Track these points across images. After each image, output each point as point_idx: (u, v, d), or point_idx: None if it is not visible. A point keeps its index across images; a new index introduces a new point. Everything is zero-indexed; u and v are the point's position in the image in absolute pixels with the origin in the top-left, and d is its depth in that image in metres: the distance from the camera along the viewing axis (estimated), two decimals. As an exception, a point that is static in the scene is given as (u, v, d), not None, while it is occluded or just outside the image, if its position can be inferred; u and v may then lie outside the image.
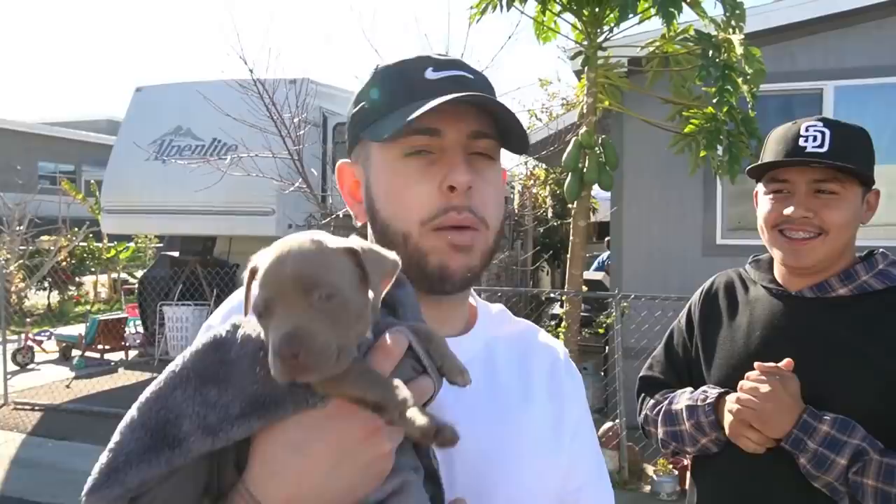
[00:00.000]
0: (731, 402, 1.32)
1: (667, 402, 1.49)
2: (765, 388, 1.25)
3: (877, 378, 1.26)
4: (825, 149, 1.29)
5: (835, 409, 1.24)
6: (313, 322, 0.56)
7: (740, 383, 1.32)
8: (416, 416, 0.56)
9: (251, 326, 0.61)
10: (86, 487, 0.57)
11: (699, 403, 1.39)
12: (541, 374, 0.88)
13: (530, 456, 0.82)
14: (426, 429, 0.56)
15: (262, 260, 0.61)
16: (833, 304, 1.34)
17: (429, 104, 0.72)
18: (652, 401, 1.55)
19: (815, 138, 1.31)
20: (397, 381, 0.59)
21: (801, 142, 1.32)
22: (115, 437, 0.58)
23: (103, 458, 0.58)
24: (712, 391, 1.39)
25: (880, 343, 1.28)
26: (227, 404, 0.57)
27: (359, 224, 0.86)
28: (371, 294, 0.61)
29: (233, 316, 0.64)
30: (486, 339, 0.86)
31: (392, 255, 0.65)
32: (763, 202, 1.39)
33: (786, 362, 1.28)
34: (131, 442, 0.57)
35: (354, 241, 0.63)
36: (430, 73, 0.78)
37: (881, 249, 1.40)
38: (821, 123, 1.34)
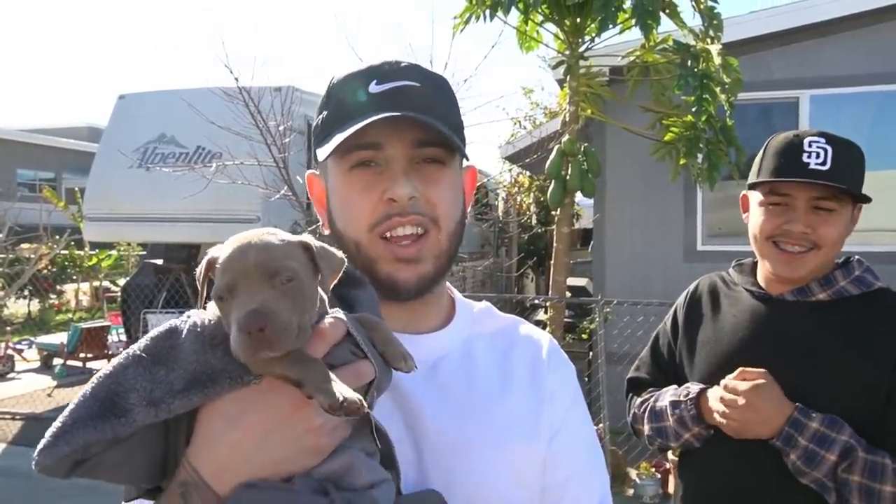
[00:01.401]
0: (714, 399, 1.37)
1: (652, 399, 1.55)
2: (741, 400, 1.30)
3: (853, 380, 1.31)
4: (827, 167, 1.33)
5: (813, 409, 1.29)
6: (277, 301, 0.62)
7: (717, 389, 1.37)
8: (326, 391, 0.61)
9: (199, 316, 0.67)
10: (37, 448, 0.62)
11: (682, 399, 1.44)
12: (522, 367, 0.89)
13: (503, 444, 0.83)
14: (332, 402, 0.60)
15: (221, 251, 0.66)
16: (812, 308, 1.39)
17: (354, 127, 0.76)
18: (639, 399, 1.61)
19: (818, 155, 1.35)
20: (318, 361, 0.64)
21: (805, 157, 1.35)
22: (69, 407, 0.63)
23: (56, 423, 0.63)
24: (694, 387, 1.44)
25: (856, 346, 1.33)
26: (171, 381, 0.63)
27: (327, 233, 0.89)
28: (320, 287, 0.67)
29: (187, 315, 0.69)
30: (465, 334, 0.89)
31: (340, 253, 0.71)
32: (760, 213, 1.42)
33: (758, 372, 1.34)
34: (81, 409, 0.62)
35: (307, 237, 0.68)
36: (373, 87, 0.81)
37: (857, 257, 1.46)
38: (823, 140, 1.37)
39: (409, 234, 0.79)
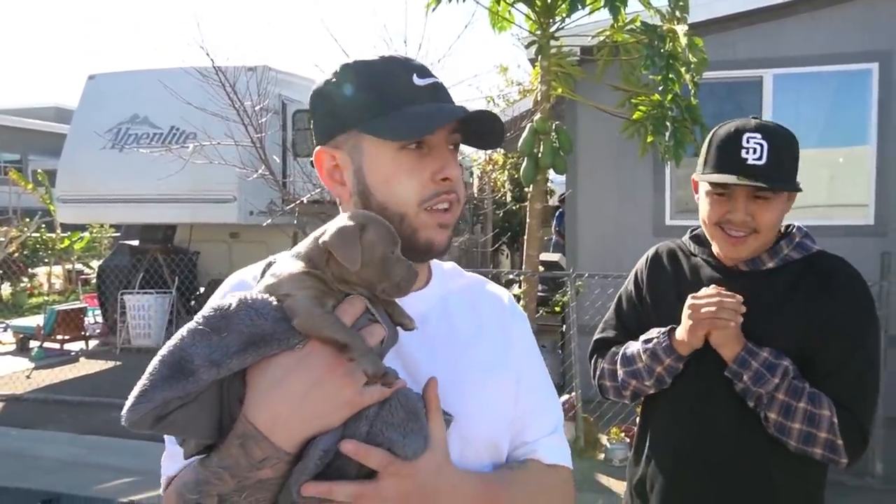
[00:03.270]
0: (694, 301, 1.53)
1: (623, 348, 1.70)
2: (730, 315, 1.48)
3: (790, 331, 1.50)
4: (763, 161, 1.49)
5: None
6: None
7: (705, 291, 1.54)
8: (371, 359, 0.76)
9: (245, 294, 0.80)
10: (124, 408, 0.74)
11: (654, 336, 1.62)
12: (490, 317, 1.04)
13: (485, 382, 0.97)
14: (376, 371, 0.76)
15: (368, 219, 0.83)
16: (762, 274, 1.57)
17: (443, 116, 0.90)
18: (608, 354, 1.75)
19: (755, 150, 1.50)
20: (358, 331, 0.79)
21: (743, 153, 1.50)
22: (145, 375, 0.75)
23: (136, 388, 0.75)
24: (664, 329, 1.60)
25: (794, 303, 1.52)
26: (227, 345, 0.75)
27: (340, 203, 0.99)
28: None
29: (231, 292, 0.83)
30: (441, 291, 1.03)
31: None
32: (706, 201, 1.58)
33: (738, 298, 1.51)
34: (156, 374, 0.75)
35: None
36: (416, 80, 0.93)
37: (797, 225, 1.62)
38: (759, 135, 1.51)
39: (444, 207, 0.94)
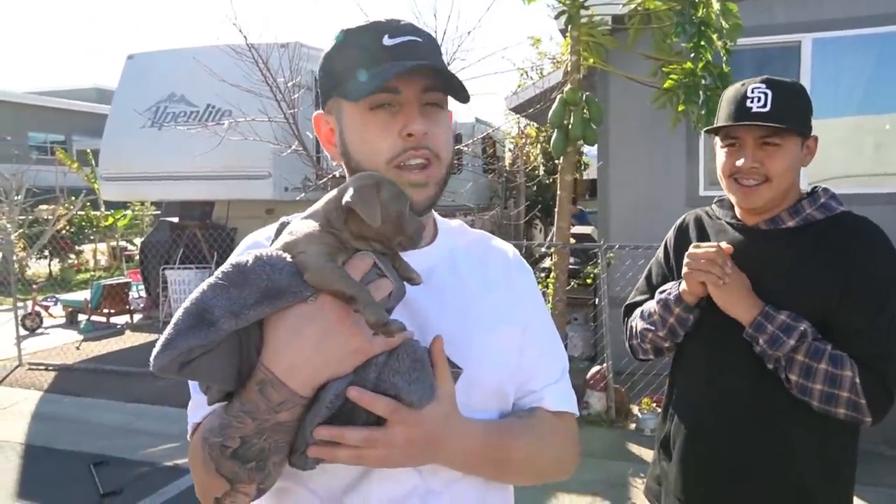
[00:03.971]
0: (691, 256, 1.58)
1: (644, 306, 1.78)
2: (718, 271, 1.53)
3: (811, 291, 1.52)
4: (767, 108, 1.52)
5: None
6: None
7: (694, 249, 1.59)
8: (374, 310, 0.81)
9: (261, 251, 0.85)
10: (152, 354, 0.80)
11: (667, 287, 1.69)
12: (496, 270, 1.08)
13: (492, 330, 1.01)
14: (378, 320, 0.80)
15: (379, 179, 0.88)
16: (783, 234, 1.58)
17: (391, 71, 0.91)
18: (635, 313, 1.82)
19: (759, 99, 1.53)
20: (364, 286, 0.83)
21: (748, 103, 1.54)
22: (170, 324, 0.82)
23: (162, 336, 0.81)
24: (677, 281, 1.67)
25: (816, 263, 1.53)
26: (245, 297, 0.81)
27: (335, 163, 1.04)
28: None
29: (248, 250, 0.88)
30: (448, 247, 1.07)
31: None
32: (719, 155, 1.63)
33: (726, 247, 1.57)
34: (180, 324, 0.81)
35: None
36: (386, 40, 0.94)
37: (823, 186, 1.63)
38: (763, 85, 1.54)
39: (417, 165, 0.96)
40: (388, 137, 0.95)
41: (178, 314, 0.81)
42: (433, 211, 1.09)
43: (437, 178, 0.99)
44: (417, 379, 0.85)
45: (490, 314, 1.02)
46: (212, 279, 0.83)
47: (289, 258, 0.84)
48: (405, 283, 0.91)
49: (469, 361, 0.95)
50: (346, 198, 0.84)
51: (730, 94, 1.60)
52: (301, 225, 0.89)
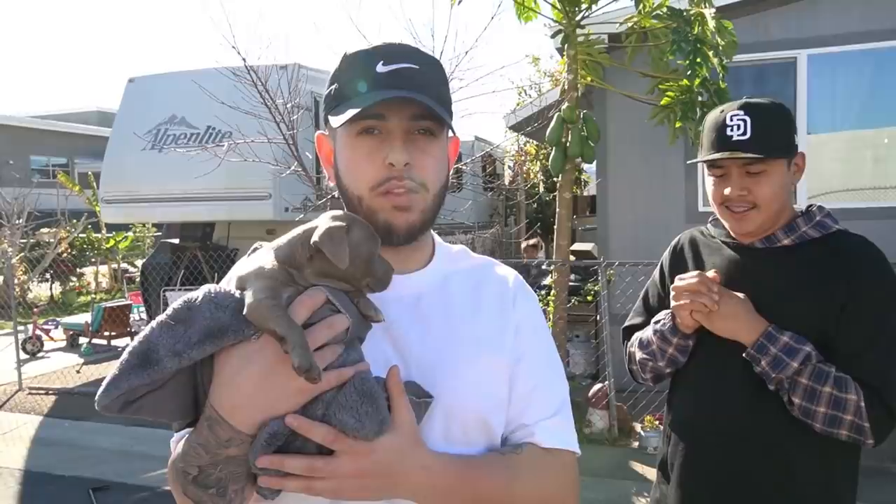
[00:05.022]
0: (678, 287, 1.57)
1: (640, 333, 1.76)
2: (715, 296, 1.52)
3: (808, 313, 1.50)
4: (747, 136, 1.51)
5: None
6: None
7: (677, 282, 1.58)
8: (300, 353, 0.79)
9: (211, 287, 0.85)
10: (97, 393, 0.81)
11: (661, 318, 1.67)
12: (491, 296, 1.03)
13: (475, 358, 0.96)
14: (301, 364, 0.78)
15: (351, 219, 0.87)
16: (778, 253, 1.57)
17: (366, 102, 0.91)
18: (633, 338, 1.80)
19: (738, 127, 1.52)
20: (299, 326, 0.81)
21: (728, 131, 1.53)
22: (117, 364, 0.82)
23: (108, 375, 0.82)
24: (669, 310, 1.65)
25: (813, 284, 1.51)
26: (189, 335, 0.81)
27: (332, 184, 1.04)
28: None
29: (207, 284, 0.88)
30: (443, 272, 1.05)
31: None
32: (709, 183, 1.63)
33: (712, 274, 1.56)
34: (125, 364, 0.81)
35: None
36: (380, 67, 0.94)
37: (818, 205, 1.62)
38: (742, 112, 1.54)
39: (398, 192, 0.95)
40: (372, 165, 0.94)
41: (125, 353, 0.82)
42: (434, 234, 1.08)
43: (423, 207, 0.97)
44: (366, 413, 0.83)
45: (474, 342, 0.98)
46: (162, 316, 0.83)
47: (238, 294, 0.83)
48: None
49: (448, 390, 0.93)
50: (315, 237, 0.84)
51: (710, 121, 1.60)
52: (257, 257, 0.88)
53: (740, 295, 1.54)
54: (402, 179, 0.94)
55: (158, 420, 0.87)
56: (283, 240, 0.88)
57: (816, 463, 1.51)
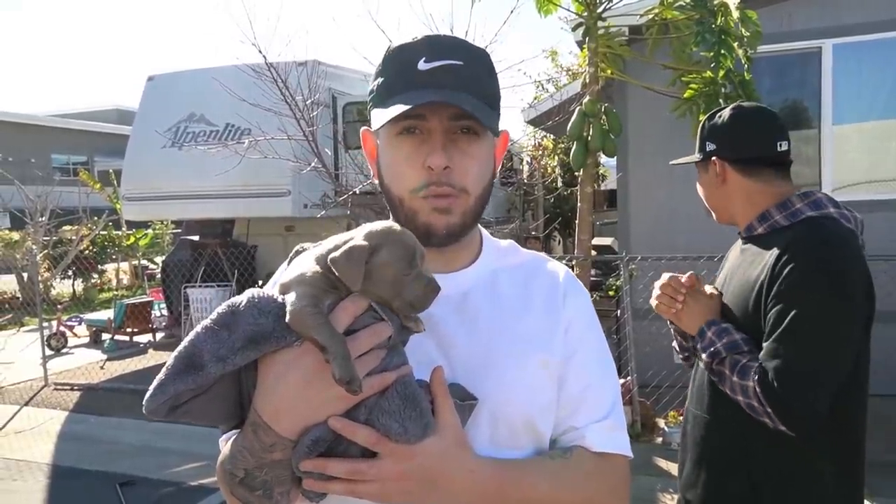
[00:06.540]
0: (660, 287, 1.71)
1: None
2: (680, 298, 1.64)
3: (745, 297, 1.52)
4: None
5: (734, 324, 1.54)
6: None
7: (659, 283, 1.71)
8: (341, 363, 0.78)
9: (255, 292, 0.85)
10: (145, 397, 0.81)
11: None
12: (539, 295, 1.00)
13: (523, 358, 0.93)
14: (342, 376, 0.78)
15: (385, 238, 0.84)
16: (754, 241, 1.62)
17: (404, 105, 0.89)
18: None
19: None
20: (341, 335, 0.80)
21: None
22: (164, 368, 0.82)
23: (155, 380, 0.82)
24: None
25: (753, 268, 1.53)
26: (233, 341, 0.81)
27: (376, 181, 1.02)
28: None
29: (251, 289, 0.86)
30: (491, 268, 1.02)
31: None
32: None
33: (686, 278, 1.66)
34: (171, 368, 0.81)
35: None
36: (422, 64, 0.92)
37: (807, 191, 1.59)
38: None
39: (442, 194, 0.93)
40: (411, 167, 0.93)
41: (171, 357, 0.82)
42: (481, 229, 1.06)
43: (464, 209, 0.95)
44: (409, 417, 0.82)
45: (522, 341, 0.95)
46: (207, 321, 0.83)
47: (280, 299, 0.83)
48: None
49: (494, 392, 0.91)
50: (334, 253, 0.82)
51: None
52: (301, 262, 0.88)
53: (713, 293, 1.63)
54: (441, 185, 0.92)
55: (205, 423, 0.87)
56: (328, 241, 0.87)
57: (804, 469, 1.48)
